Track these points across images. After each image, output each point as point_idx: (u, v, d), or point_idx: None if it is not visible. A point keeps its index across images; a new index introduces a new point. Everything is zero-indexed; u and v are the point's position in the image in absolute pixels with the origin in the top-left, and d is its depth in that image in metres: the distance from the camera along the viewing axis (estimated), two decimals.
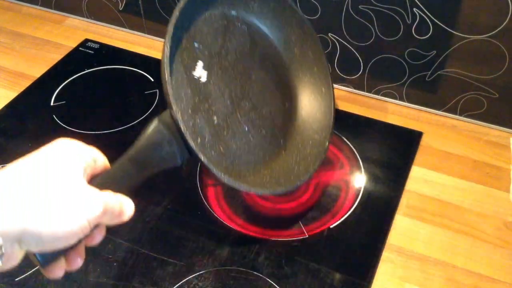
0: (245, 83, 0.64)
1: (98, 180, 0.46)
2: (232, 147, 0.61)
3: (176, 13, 0.56)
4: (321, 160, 0.66)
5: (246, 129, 0.62)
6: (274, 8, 0.68)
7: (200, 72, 0.60)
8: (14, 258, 0.39)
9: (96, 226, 0.45)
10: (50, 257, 0.43)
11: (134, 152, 0.51)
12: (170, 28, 0.55)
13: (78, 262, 0.46)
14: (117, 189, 0.46)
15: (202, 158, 0.53)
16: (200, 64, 0.60)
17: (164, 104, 0.53)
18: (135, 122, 0.82)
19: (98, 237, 0.46)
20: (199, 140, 0.57)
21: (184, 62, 0.58)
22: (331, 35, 0.82)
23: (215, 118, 0.60)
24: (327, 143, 0.67)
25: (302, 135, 0.68)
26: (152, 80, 0.89)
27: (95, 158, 0.46)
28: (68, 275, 0.48)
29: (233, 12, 0.65)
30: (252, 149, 0.63)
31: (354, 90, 0.87)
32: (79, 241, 0.43)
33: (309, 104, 0.70)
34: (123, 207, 0.46)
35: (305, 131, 0.69)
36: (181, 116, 0.52)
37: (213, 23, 0.63)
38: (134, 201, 0.47)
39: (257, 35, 0.68)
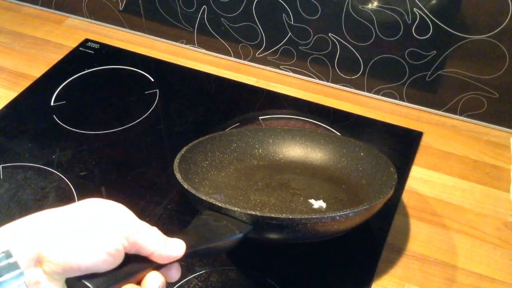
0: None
1: None
2: None
3: None
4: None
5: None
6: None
7: None
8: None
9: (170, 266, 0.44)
10: (103, 285, 0.40)
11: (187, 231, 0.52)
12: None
13: None
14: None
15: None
16: None
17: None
18: (135, 122, 0.82)
19: (174, 274, 0.46)
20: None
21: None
22: (331, 35, 0.82)
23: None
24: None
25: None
26: (152, 80, 0.89)
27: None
28: None
29: None
30: None
31: (354, 90, 0.87)
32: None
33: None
34: (159, 238, 0.44)
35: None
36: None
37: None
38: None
39: None
